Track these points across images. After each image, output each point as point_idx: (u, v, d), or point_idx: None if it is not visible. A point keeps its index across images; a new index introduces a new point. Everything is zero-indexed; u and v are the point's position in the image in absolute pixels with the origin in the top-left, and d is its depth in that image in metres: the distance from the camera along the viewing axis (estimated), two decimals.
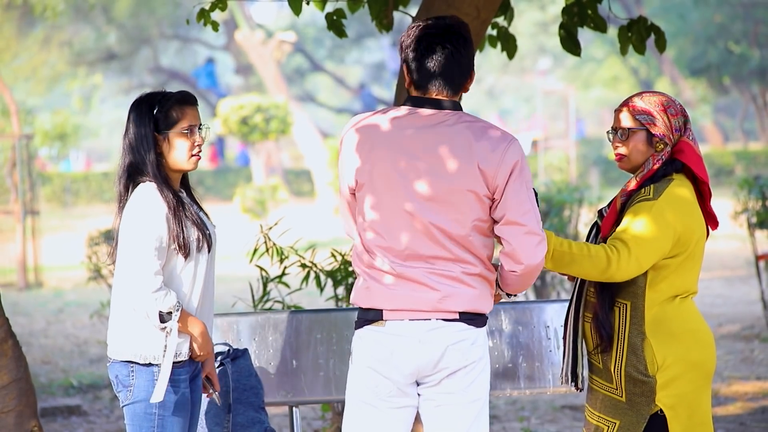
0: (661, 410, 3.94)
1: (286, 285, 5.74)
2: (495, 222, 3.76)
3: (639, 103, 4.02)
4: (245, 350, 4.45)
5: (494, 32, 6.17)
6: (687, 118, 4.04)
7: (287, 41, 32.68)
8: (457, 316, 3.74)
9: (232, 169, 33.00)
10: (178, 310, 3.94)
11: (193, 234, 4.04)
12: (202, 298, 4.09)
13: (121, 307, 4.03)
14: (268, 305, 5.75)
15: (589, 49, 38.80)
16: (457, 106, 3.81)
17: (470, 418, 3.80)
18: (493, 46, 6.17)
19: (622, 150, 4.04)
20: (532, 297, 10.72)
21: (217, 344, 4.37)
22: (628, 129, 4.01)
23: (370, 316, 3.78)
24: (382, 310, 3.75)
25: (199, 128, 4.14)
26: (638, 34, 5.89)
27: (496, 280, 3.86)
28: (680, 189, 3.95)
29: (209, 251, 4.11)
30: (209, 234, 4.11)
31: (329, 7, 5.95)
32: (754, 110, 40.77)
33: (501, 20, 6.17)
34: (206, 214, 4.22)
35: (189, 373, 4.08)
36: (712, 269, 15.21)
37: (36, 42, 35.77)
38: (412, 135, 3.74)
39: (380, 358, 3.76)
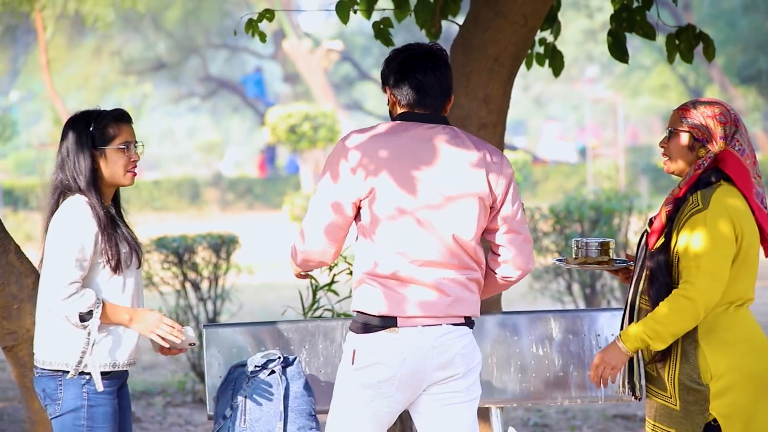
0: (715, 419, 3.91)
1: (335, 293, 5.76)
2: (490, 231, 3.94)
3: (689, 106, 4.02)
4: (296, 358, 4.47)
5: (541, 49, 6.15)
6: (738, 129, 3.99)
7: (334, 50, 32.78)
8: (462, 321, 3.91)
9: (282, 178, 33.10)
10: (98, 307, 4.01)
11: (123, 249, 4.12)
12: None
13: (45, 315, 4.11)
14: (317, 313, 5.77)
15: (637, 57, 38.56)
16: (447, 122, 3.97)
17: (472, 416, 3.97)
18: (541, 64, 6.16)
19: (666, 150, 4.05)
20: (582, 305, 10.67)
21: (268, 352, 4.42)
22: (671, 129, 4.02)
23: (383, 323, 3.86)
24: (396, 317, 3.84)
25: (135, 145, 4.21)
26: (686, 42, 5.86)
27: None
28: (726, 195, 3.92)
29: (138, 266, 4.20)
30: (139, 250, 4.20)
31: (376, 16, 5.96)
32: None
33: (548, 34, 6.15)
34: (133, 231, 4.28)
35: (116, 385, 4.15)
36: (763, 278, 15.02)
37: (87, 52, 36.12)
38: (416, 145, 3.86)
39: (392, 364, 3.85)
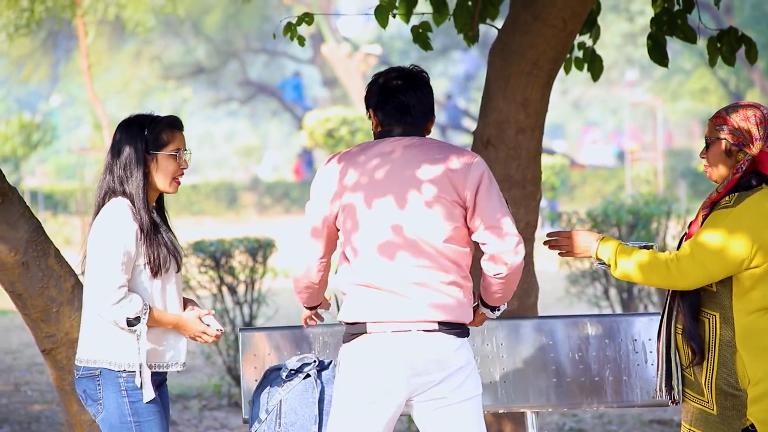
0: (752, 425, 3.88)
1: None
2: (472, 230, 3.95)
3: (722, 113, 4.00)
4: (331, 361, 4.47)
5: (580, 53, 6.13)
6: None
7: (373, 54, 32.80)
8: (436, 327, 3.89)
9: None
10: (145, 313, 4.05)
11: (162, 253, 4.16)
12: (170, 311, 4.21)
13: (91, 316, 4.15)
14: None
15: (677, 61, 38.34)
16: (420, 135, 4.05)
17: (464, 416, 3.94)
18: (579, 68, 6.13)
19: (707, 160, 4.03)
20: (618, 310, 10.62)
21: (303, 355, 4.43)
22: (708, 138, 4.00)
23: (355, 330, 3.94)
24: (365, 323, 3.91)
25: (184, 153, 4.25)
26: (728, 45, 5.81)
27: (480, 297, 4.07)
28: (765, 198, 3.89)
29: (177, 271, 4.24)
30: (179, 255, 4.24)
31: (415, 20, 5.96)
32: None
33: (587, 38, 6.13)
34: (175, 236, 4.33)
35: (154, 382, 4.18)
36: None
37: (127, 57, 36.36)
38: (380, 159, 3.94)
39: (365, 371, 3.91)
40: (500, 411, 4.88)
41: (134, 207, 4.13)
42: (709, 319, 3.93)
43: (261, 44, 38.54)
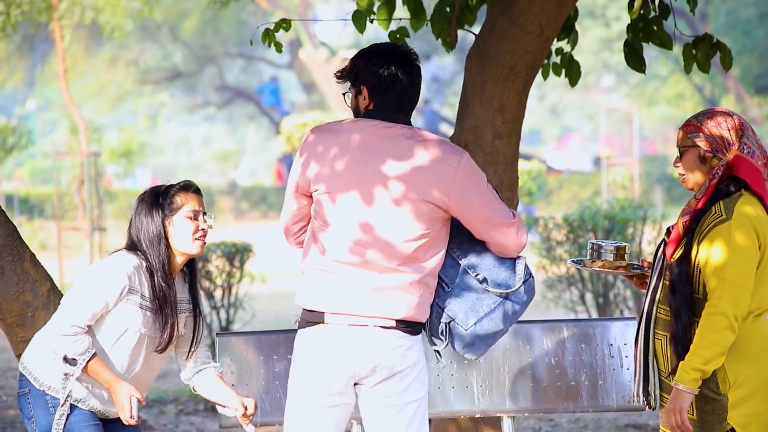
0: (733, 429, 3.89)
1: None
2: (470, 228, 3.97)
3: (693, 121, 4.02)
4: None
5: (557, 59, 6.14)
6: (744, 132, 3.98)
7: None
8: (393, 324, 3.91)
9: None
10: (84, 360, 4.07)
11: (162, 333, 4.22)
12: (140, 372, 4.26)
13: (41, 336, 4.23)
14: None
15: (653, 67, 38.50)
16: (410, 124, 4.02)
17: (407, 418, 3.97)
18: (557, 74, 6.14)
19: (680, 168, 4.05)
20: (594, 314, 10.65)
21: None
22: (681, 147, 4.02)
23: (312, 318, 3.94)
24: (323, 313, 3.92)
25: (204, 216, 4.29)
26: (704, 52, 5.83)
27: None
28: (748, 205, 3.92)
29: (163, 350, 4.27)
30: (169, 340, 4.24)
31: (393, 26, 5.96)
32: None
33: (564, 44, 6.14)
34: (197, 302, 4.37)
35: (95, 419, 4.22)
36: None
37: (104, 61, 36.23)
38: (371, 144, 3.93)
39: (319, 359, 3.92)
40: (477, 416, 4.88)
41: (138, 266, 4.18)
42: (693, 326, 3.95)
43: (238, 49, 38.49)
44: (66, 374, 4.11)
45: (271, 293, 14.28)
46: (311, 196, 4.01)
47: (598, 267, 4.31)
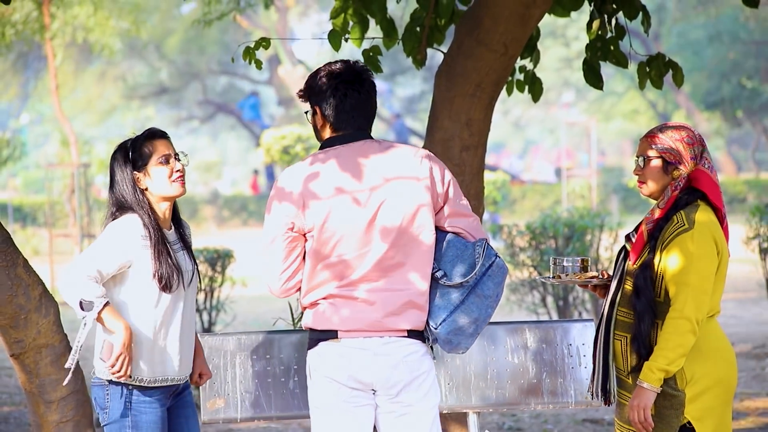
0: (689, 422, 3.91)
1: None
2: (441, 222, 3.86)
3: (659, 133, 4.03)
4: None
5: (521, 76, 6.16)
6: (704, 148, 4.02)
7: None
8: (405, 334, 3.81)
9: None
10: (100, 304, 3.98)
11: (168, 270, 4.12)
12: (182, 328, 4.19)
13: (102, 332, 4.13)
14: None
15: (609, 84, 38.68)
16: (370, 137, 3.92)
17: (428, 423, 3.88)
18: (521, 90, 6.15)
19: (641, 176, 4.05)
20: (555, 316, 10.67)
21: None
22: (646, 157, 4.02)
23: (326, 336, 3.83)
24: (337, 331, 3.81)
25: (176, 157, 4.22)
26: (657, 70, 5.87)
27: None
28: (707, 214, 3.94)
29: (185, 288, 4.19)
30: (182, 274, 4.17)
31: (366, 44, 5.96)
32: (765, 142, 40.51)
33: (527, 62, 6.16)
34: (190, 251, 4.29)
35: (160, 394, 4.17)
36: (725, 291, 15.01)
37: (93, 77, 36.12)
38: (355, 167, 3.81)
39: (339, 367, 3.81)
40: (444, 412, 4.88)
41: (143, 222, 4.11)
42: (655, 328, 3.96)
43: (220, 66, 38.42)
44: (84, 322, 4.01)
45: (251, 296, 14.23)
46: (305, 236, 3.85)
47: (575, 279, 4.26)
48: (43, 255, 20.03)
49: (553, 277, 4.32)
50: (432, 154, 3.94)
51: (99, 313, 4.00)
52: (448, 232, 3.89)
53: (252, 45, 5.58)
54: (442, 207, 3.88)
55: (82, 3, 18.46)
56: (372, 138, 3.92)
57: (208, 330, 9.00)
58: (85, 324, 4.03)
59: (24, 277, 4.82)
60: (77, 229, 17.18)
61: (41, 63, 32.03)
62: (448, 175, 3.90)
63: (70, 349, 4.85)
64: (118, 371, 4.04)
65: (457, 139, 5.64)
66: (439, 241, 3.88)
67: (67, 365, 4.11)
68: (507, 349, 4.89)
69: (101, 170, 27.33)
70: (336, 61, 3.95)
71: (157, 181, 4.18)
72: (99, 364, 4.15)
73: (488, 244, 3.87)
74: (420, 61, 5.93)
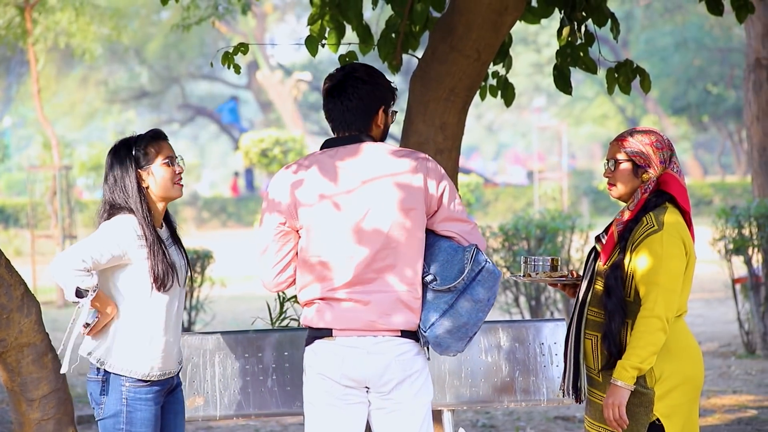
0: (658, 419, 3.92)
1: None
2: (434, 226, 3.82)
3: (628, 137, 4.03)
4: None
5: (494, 81, 6.16)
6: (673, 152, 4.04)
7: (304, 80, 32.76)
8: (399, 334, 3.79)
9: (253, 197, 33.03)
10: (95, 291, 4.00)
11: (163, 268, 4.12)
12: (175, 321, 4.21)
13: (117, 327, 4.14)
14: (285, 323, 5.74)
15: (580, 89, 38.84)
16: (369, 138, 3.86)
17: (419, 420, 3.85)
18: (494, 95, 6.15)
19: (611, 179, 4.06)
20: (527, 316, 10.69)
21: None
22: (616, 160, 4.03)
23: (321, 334, 3.81)
24: (332, 329, 3.79)
25: (176, 159, 4.22)
26: (625, 76, 5.88)
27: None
28: (675, 216, 3.95)
29: (181, 286, 4.23)
30: (176, 272, 4.20)
31: (342, 50, 5.96)
32: (730, 146, 40.77)
33: (500, 68, 6.17)
34: (182, 249, 4.32)
35: (155, 391, 4.15)
36: (692, 291, 15.12)
37: (75, 81, 35.97)
38: (347, 170, 3.78)
39: (332, 365, 3.79)
40: None
41: (139, 222, 4.09)
42: (625, 327, 3.96)
43: (200, 70, 38.34)
44: (80, 307, 4.02)
45: (230, 296, 14.23)
46: (297, 232, 3.83)
47: (545, 278, 4.26)
48: (25, 256, 19.92)
49: (524, 276, 4.33)
50: (430, 158, 3.89)
51: (92, 300, 4.01)
52: (441, 236, 3.86)
53: (231, 50, 5.56)
54: (436, 211, 3.84)
55: (64, 9, 18.38)
56: (372, 139, 3.88)
57: (187, 329, 8.98)
58: (81, 306, 4.03)
59: (6, 277, 4.79)
60: (59, 231, 17.10)
61: (24, 67, 31.88)
62: (444, 180, 3.86)
63: (51, 348, 4.83)
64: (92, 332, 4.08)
65: (432, 142, 5.64)
66: (431, 245, 3.85)
67: (59, 351, 4.10)
68: (481, 348, 4.89)
69: (83, 173, 27.23)
70: (334, 71, 3.93)
71: (160, 182, 4.15)
72: (99, 352, 4.13)
73: (478, 249, 3.82)
74: (395, 67, 5.93)
